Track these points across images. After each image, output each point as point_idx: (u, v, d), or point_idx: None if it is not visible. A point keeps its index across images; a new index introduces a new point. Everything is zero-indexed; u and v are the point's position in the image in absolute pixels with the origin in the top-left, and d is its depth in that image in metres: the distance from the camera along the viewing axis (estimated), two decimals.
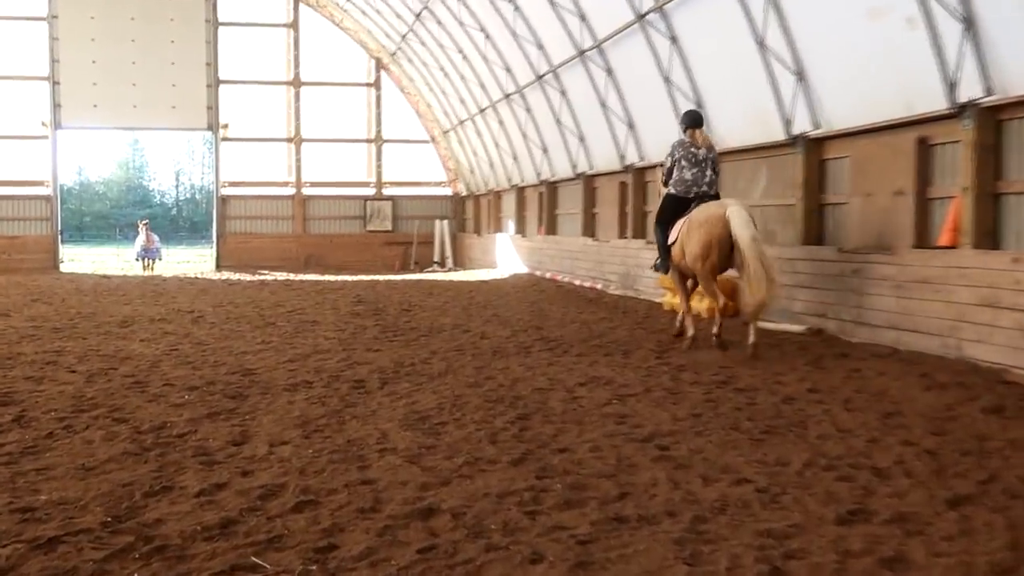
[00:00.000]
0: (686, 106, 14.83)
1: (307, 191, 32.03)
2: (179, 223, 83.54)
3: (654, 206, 16.82)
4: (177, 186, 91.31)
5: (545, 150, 23.24)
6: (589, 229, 21.08)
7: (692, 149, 10.78)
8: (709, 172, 10.77)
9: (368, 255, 32.10)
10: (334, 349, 10.55)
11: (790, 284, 12.04)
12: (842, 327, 10.99)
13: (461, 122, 29.22)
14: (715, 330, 10.16)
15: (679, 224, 10.62)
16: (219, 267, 30.64)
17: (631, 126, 17.75)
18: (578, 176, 21.24)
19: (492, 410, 7.06)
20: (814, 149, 12.27)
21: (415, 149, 32.73)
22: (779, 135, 12.79)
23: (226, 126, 30.99)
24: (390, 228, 32.52)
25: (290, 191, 32.00)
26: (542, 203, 24.15)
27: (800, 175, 12.44)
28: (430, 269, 30.56)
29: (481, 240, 30.11)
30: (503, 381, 8.34)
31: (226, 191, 31.58)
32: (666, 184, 11.06)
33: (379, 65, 31.89)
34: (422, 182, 33.08)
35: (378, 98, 32.22)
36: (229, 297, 18.38)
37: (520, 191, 26.26)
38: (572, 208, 22.35)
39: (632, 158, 18.15)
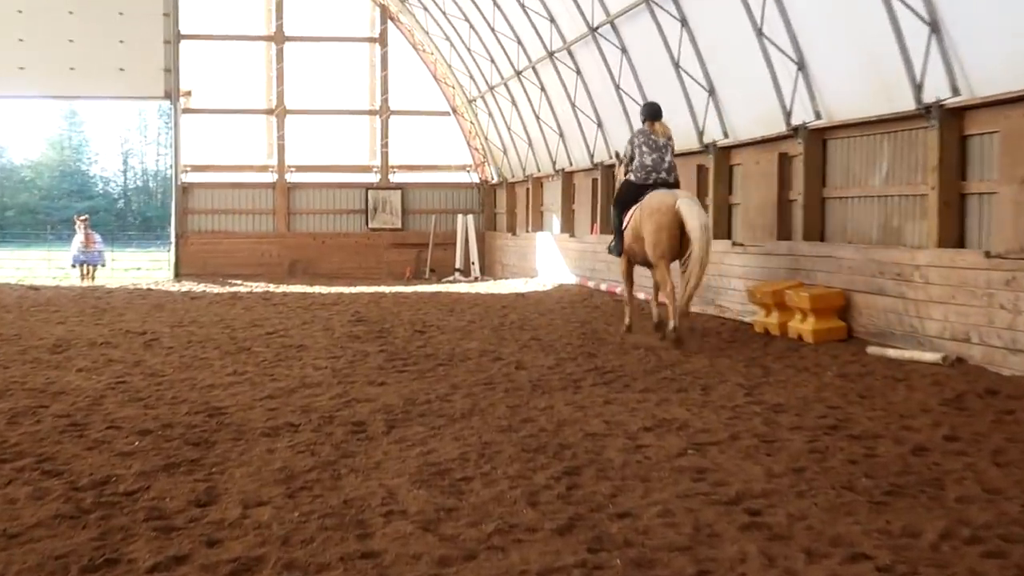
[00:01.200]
0: (780, 64, 15.37)
1: (292, 177, 32.39)
2: (128, 219, 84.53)
3: (744, 199, 17.36)
4: (125, 171, 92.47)
5: (600, 124, 23.32)
6: None
7: (652, 137, 14.09)
8: (669, 157, 14.10)
9: (370, 260, 32.41)
10: (327, 382, 10.61)
11: (920, 299, 12.06)
12: (990, 355, 10.93)
13: (491, 88, 29.48)
14: (671, 325, 13.19)
15: (633, 209, 14.09)
16: (179, 275, 30.93)
17: (712, 92, 17.88)
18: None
19: (531, 462, 7.09)
20: (952, 122, 12.22)
21: (431, 123, 33.00)
22: (906, 103, 12.77)
23: (188, 94, 31.38)
24: (399, 225, 32.83)
25: (270, 177, 32.34)
26: (596, 193, 24.22)
27: (934, 156, 12.41)
28: (450, 279, 30.81)
29: (516, 241, 30.28)
30: (545, 424, 8.37)
31: (188, 177, 31.97)
32: (626, 173, 14.46)
33: (385, 15, 32.20)
34: (440, 166, 33.38)
35: (383, 57, 32.51)
36: (191, 314, 18.47)
37: (568, 177, 26.32)
38: None
39: (714, 133, 18.34)
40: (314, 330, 15.74)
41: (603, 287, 22.59)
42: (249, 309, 19.68)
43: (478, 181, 33.46)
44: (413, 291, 24.89)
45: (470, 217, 32.27)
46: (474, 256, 31.83)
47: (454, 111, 32.90)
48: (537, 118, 27.02)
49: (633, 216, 14.07)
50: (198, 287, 26.46)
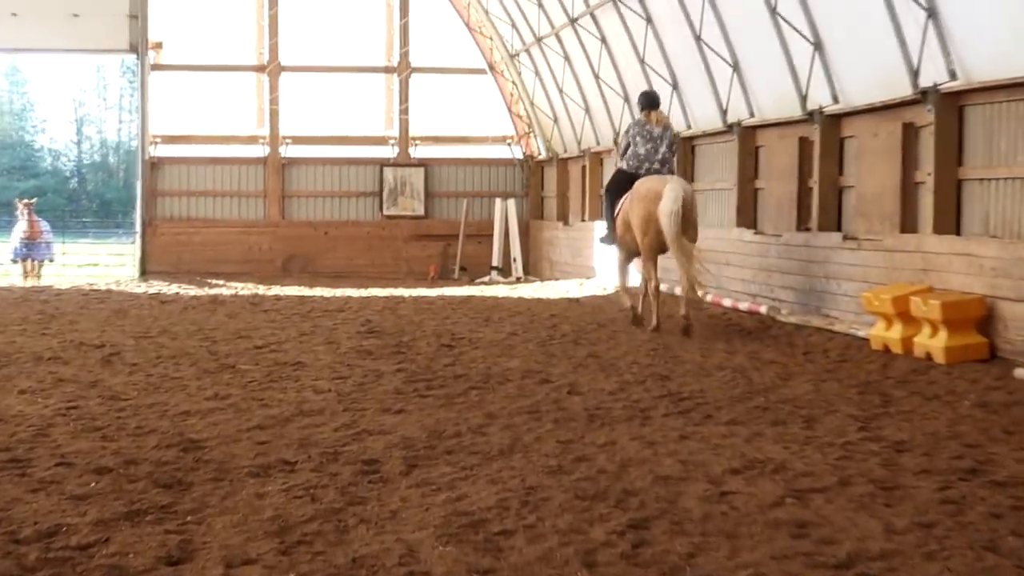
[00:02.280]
0: (903, 8, 15.35)
1: (288, 151, 32.48)
2: (82, 202, 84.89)
3: (859, 181, 17.48)
4: (79, 143, 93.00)
5: (676, 85, 23.33)
6: (747, 215, 21.27)
7: (647, 127, 17.47)
8: (663, 149, 17.40)
9: (385, 256, 32.49)
10: (330, 409, 10.65)
11: None
12: None
13: (538, 40, 29.43)
14: (654, 321, 16.65)
15: (625, 196, 17.11)
16: (145, 273, 31.03)
17: (817, 46, 17.90)
18: (730, 128, 21.43)
19: (587, 512, 7.07)
20: None
21: (463, 84, 33.07)
22: None
23: (159, 46, 31.56)
24: (421, 212, 32.90)
25: (261, 151, 32.44)
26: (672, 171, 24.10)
27: None
28: (486, 279, 30.85)
29: (569, 233, 30.19)
30: (605, 465, 8.38)
31: (158, 151, 32.07)
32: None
33: None
34: (474, 137, 33.42)
35: (403, 1, 32.57)
36: (161, 323, 18.49)
37: None
38: (720, 180, 22.44)
39: (820, 97, 18.28)
40: (314, 343, 15.75)
41: (678, 291, 21.93)
42: (233, 316, 19.75)
43: (521, 157, 33.56)
44: (439, 295, 24.87)
45: (511, 202, 32.34)
46: (516, 251, 31.89)
47: (491, 68, 32.90)
48: (596, 77, 26.86)
49: (624, 204, 17.22)
50: (169, 288, 26.47)
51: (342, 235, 32.55)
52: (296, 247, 32.33)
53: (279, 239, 32.35)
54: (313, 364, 13.70)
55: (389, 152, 33.21)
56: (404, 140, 33.06)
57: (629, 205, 16.89)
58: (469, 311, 20.67)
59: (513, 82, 32.80)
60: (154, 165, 32.03)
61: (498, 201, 32.39)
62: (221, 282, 28.61)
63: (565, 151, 31.03)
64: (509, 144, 33.72)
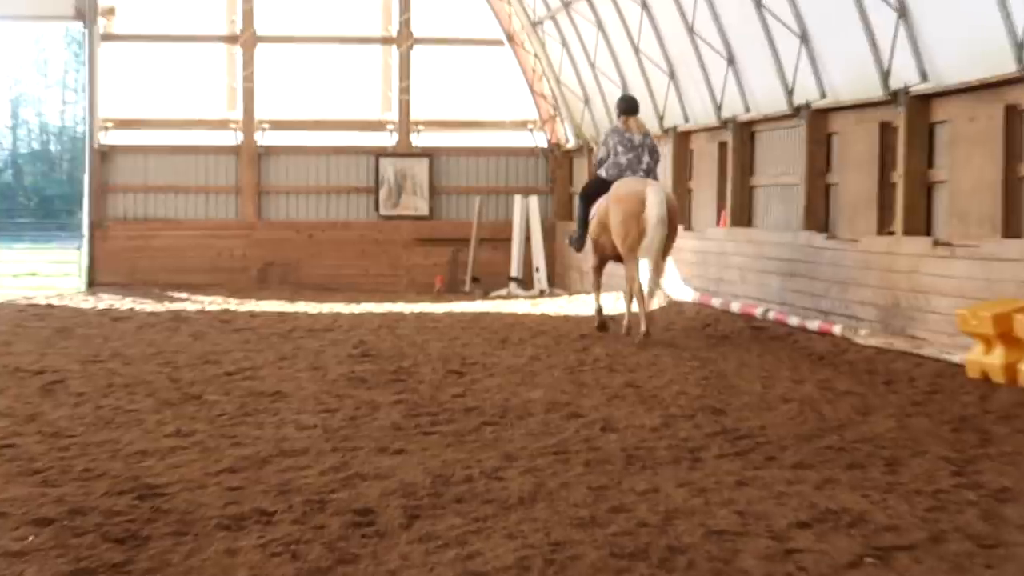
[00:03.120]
0: None
1: (265, 138, 32.72)
2: (18, 199, 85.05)
3: (952, 176, 17.67)
4: (15, 128, 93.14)
5: (731, 59, 23.50)
6: (817, 215, 21.36)
7: (627, 135, 19.72)
8: (646, 158, 19.66)
9: (382, 264, 32.70)
10: (316, 448, 10.68)
11: None
12: None
13: (566, 4, 29.48)
14: (643, 327, 18.48)
15: (601, 199, 19.38)
16: (94, 285, 31.22)
17: (902, 13, 17.91)
18: (797, 111, 21.50)
19: (625, 573, 7.08)
20: None
21: (476, 58, 33.32)
22: None
23: (111, 13, 31.75)
24: (425, 211, 33.13)
25: (232, 138, 32.70)
26: (726, 163, 24.37)
27: None
28: (503, 292, 31.00)
29: None
30: (647, 516, 8.35)
31: (109, 137, 32.33)
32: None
33: None
34: (488, 122, 33.65)
35: None
36: (113, 344, 18.58)
37: (682, 140, 26.46)
38: (785, 173, 22.59)
39: (906, 76, 18.30)
40: (297, 369, 15.85)
41: (735, 307, 22.64)
42: (199, 337, 19.88)
43: (545, 145, 33.74)
44: (447, 311, 25.00)
45: (533, 200, 32.46)
46: (539, 259, 31.98)
47: (510, 39, 32.98)
48: (636, 50, 26.91)
49: (600, 206, 19.55)
50: (123, 303, 26.54)
51: (330, 239, 32.69)
52: (275, 253, 32.47)
53: (254, 244, 32.49)
54: (295, 394, 13.75)
55: (387, 140, 33.40)
56: (405, 125, 33.21)
57: (606, 207, 19.20)
58: (483, 331, 20.78)
59: (536, 55, 32.83)
60: (104, 155, 32.18)
61: (517, 199, 32.50)
62: (184, 295, 28.73)
63: (599, 139, 30.50)
64: (531, 130, 33.92)
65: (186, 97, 32.75)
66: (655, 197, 18.35)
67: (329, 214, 32.98)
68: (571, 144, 32.87)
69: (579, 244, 20.68)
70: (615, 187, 19.09)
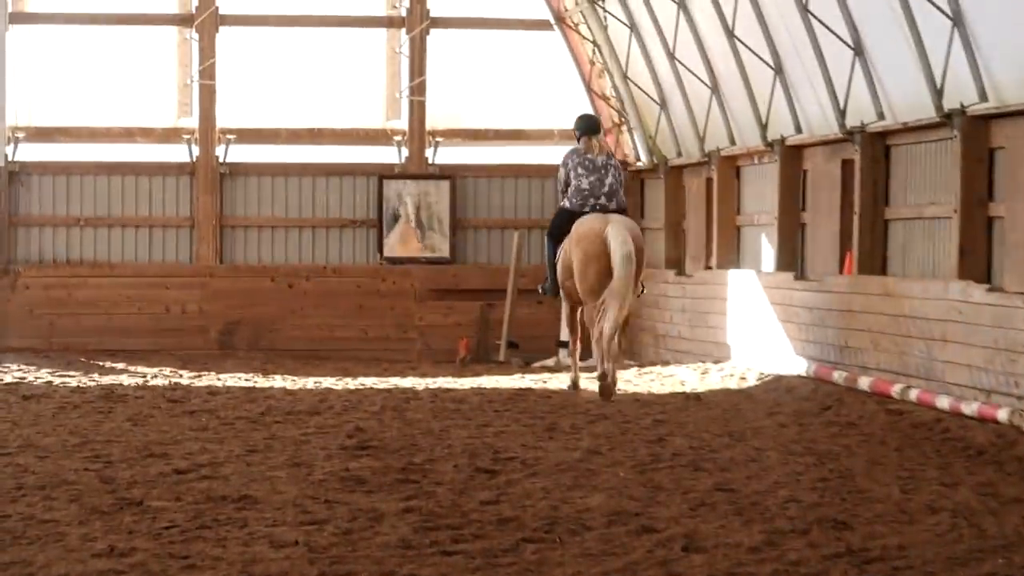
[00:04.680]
0: None
1: (230, 154, 30.17)
2: None
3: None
4: None
5: (860, 49, 21.62)
6: (976, 260, 20.11)
7: (588, 157, 20.82)
8: (609, 180, 20.79)
9: (387, 323, 30.17)
10: (297, 572, 10.06)
11: None
12: None
13: None
14: (600, 370, 19.90)
15: (567, 240, 20.85)
16: None
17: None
18: (948, 117, 19.83)
19: None
20: None
21: (512, 47, 30.80)
22: None
23: None
24: (445, 252, 30.59)
25: (185, 153, 30.11)
26: (851, 189, 22.65)
27: None
28: (550, 363, 28.63)
29: (686, 288, 28.51)
30: None
31: (22, 152, 29.92)
32: (561, 200, 21.74)
33: None
34: (529, 131, 31.22)
35: None
36: (23, 431, 17.43)
37: (792, 156, 24.50)
38: (933, 201, 21.07)
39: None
40: (272, 466, 14.75)
41: (864, 383, 20.90)
42: (140, 422, 18.40)
43: None
44: (474, 388, 23.17)
45: None
46: None
47: (560, 20, 30.23)
48: (730, 34, 24.67)
49: (564, 247, 20.40)
50: (37, 374, 24.70)
51: (317, 289, 30.04)
52: (242, 309, 29.78)
53: (214, 296, 29.85)
54: (269, 500, 12.81)
55: (393, 155, 30.55)
56: (417, 137, 30.44)
57: (569, 248, 20.33)
58: (522, 415, 19.24)
59: (595, 42, 30.37)
60: (13, 175, 29.67)
61: None
62: (120, 366, 26.83)
63: (679, 154, 29.07)
64: None
65: (124, 99, 30.23)
66: (617, 234, 19.56)
67: (315, 256, 30.40)
68: (642, 163, 30.87)
69: (553, 289, 21.65)
70: (575, 226, 20.31)
